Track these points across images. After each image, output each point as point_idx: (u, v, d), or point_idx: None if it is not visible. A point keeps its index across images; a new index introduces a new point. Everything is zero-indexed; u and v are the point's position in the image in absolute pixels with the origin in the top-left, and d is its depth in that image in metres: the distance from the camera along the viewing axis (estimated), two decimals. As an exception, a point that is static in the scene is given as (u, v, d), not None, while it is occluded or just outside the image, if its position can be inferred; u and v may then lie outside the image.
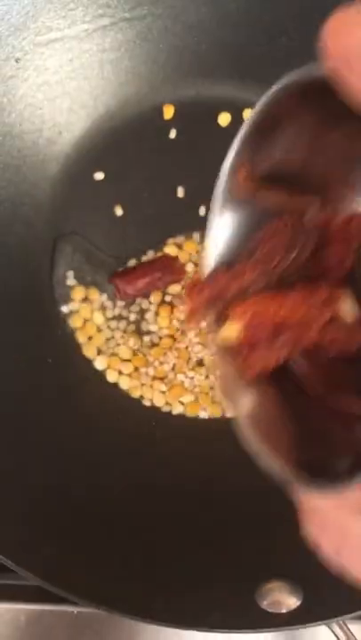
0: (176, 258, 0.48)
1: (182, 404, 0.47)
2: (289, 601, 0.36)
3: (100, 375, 0.47)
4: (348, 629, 0.36)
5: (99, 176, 0.49)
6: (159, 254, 0.49)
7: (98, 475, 0.42)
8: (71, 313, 0.48)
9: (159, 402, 0.47)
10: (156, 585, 0.37)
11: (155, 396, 0.47)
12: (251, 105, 0.48)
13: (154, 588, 0.37)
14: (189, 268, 0.48)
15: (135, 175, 0.49)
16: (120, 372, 0.47)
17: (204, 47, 0.48)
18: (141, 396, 0.47)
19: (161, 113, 0.49)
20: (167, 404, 0.48)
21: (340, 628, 0.36)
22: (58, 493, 0.41)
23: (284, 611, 0.36)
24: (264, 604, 0.36)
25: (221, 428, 0.46)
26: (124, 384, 0.47)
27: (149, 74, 0.48)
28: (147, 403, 0.47)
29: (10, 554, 0.36)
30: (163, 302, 0.48)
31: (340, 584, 0.36)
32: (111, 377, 0.47)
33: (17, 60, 0.44)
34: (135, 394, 0.47)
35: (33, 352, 0.45)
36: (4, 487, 0.39)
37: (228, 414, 0.46)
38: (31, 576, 0.36)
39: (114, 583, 0.37)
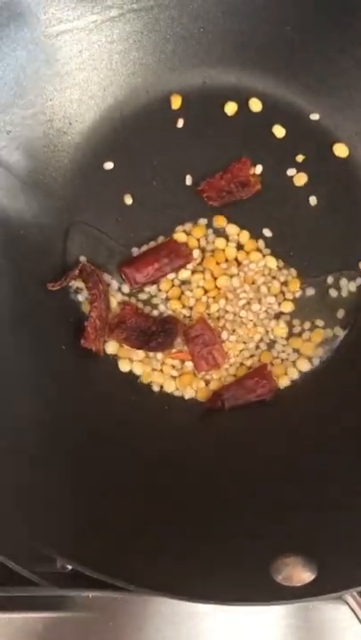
0: (182, 243, 0.49)
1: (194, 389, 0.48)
2: (303, 575, 0.37)
3: (113, 361, 0.48)
4: (362, 600, 0.37)
5: (108, 165, 0.50)
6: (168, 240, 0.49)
7: (114, 455, 0.43)
8: (84, 300, 0.48)
9: (170, 387, 0.48)
10: (174, 561, 0.37)
11: (165, 383, 0.48)
12: (256, 94, 0.49)
13: (172, 564, 0.37)
14: (196, 253, 0.49)
15: (144, 164, 0.50)
16: (131, 360, 0.48)
17: (210, 37, 0.49)
18: (152, 382, 0.48)
19: (169, 103, 0.50)
20: (177, 389, 0.48)
21: (354, 599, 0.36)
22: (76, 475, 0.41)
23: (298, 584, 0.36)
24: (279, 579, 0.37)
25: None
26: (137, 370, 0.48)
27: (157, 64, 0.49)
28: (156, 388, 0.48)
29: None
30: (173, 287, 0.49)
31: (352, 558, 0.37)
32: (123, 365, 0.48)
33: (28, 51, 0.44)
34: (147, 380, 0.48)
35: (48, 338, 0.46)
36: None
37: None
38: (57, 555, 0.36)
39: (133, 559, 0.37)
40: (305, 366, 0.48)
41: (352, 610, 0.37)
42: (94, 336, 0.47)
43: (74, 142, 0.49)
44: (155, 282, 0.49)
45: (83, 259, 0.48)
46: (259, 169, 0.50)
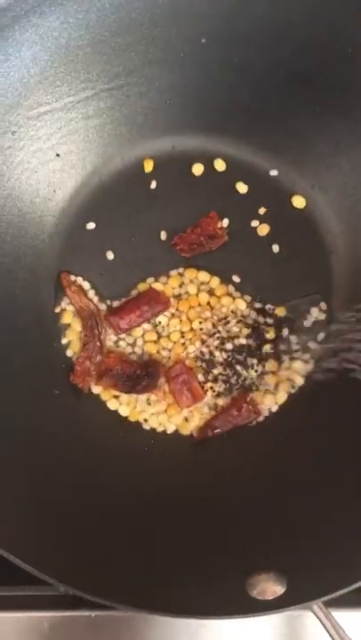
0: (161, 291, 0.54)
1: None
2: (275, 589, 0.41)
3: (102, 402, 0.53)
4: (328, 611, 0.41)
5: (91, 226, 0.55)
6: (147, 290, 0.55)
7: (101, 485, 0.48)
8: (70, 342, 0.54)
9: (154, 424, 0.53)
10: (158, 580, 0.42)
11: (150, 419, 0.53)
12: (220, 155, 0.55)
13: (155, 582, 0.42)
14: (172, 300, 0.55)
15: (123, 223, 0.55)
16: (117, 399, 0.54)
17: (175, 108, 0.54)
18: (138, 420, 0.53)
19: (142, 167, 0.55)
20: (160, 424, 0.53)
21: (320, 609, 0.41)
22: (67, 502, 0.46)
23: (270, 598, 0.41)
24: (254, 593, 0.41)
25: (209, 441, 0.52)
26: (123, 411, 0.53)
27: (129, 134, 0.55)
28: (145, 426, 0.53)
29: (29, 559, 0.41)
30: (149, 331, 0.54)
31: (317, 573, 0.42)
32: (111, 405, 0.53)
33: (13, 133, 0.50)
34: (134, 418, 0.53)
35: (40, 382, 0.51)
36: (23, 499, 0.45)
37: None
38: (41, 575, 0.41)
39: (120, 581, 0.42)
40: (282, 398, 0.54)
41: (318, 618, 0.41)
42: (82, 375, 0.52)
43: (58, 207, 0.54)
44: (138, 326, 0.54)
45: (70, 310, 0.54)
46: (225, 222, 0.55)
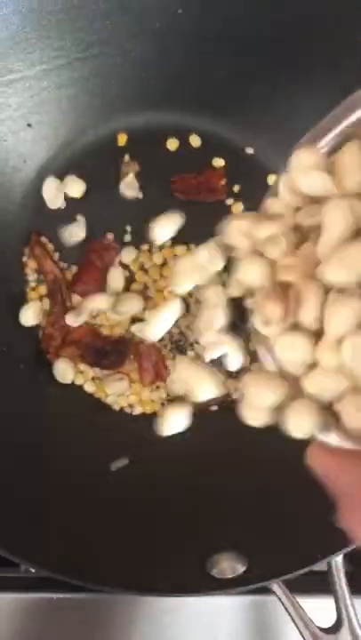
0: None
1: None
2: (235, 567, 0.41)
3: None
4: (288, 591, 0.41)
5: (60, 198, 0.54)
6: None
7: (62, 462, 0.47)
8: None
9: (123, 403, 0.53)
10: (119, 558, 0.42)
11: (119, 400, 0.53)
12: (195, 131, 0.54)
13: (115, 560, 0.42)
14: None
15: (94, 199, 0.54)
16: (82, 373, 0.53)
17: (150, 81, 0.53)
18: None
19: (115, 140, 0.54)
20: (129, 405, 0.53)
21: (280, 587, 0.41)
22: (34, 483, 0.46)
23: (230, 576, 0.41)
24: (214, 572, 0.41)
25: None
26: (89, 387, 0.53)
27: (103, 106, 0.54)
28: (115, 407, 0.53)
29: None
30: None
31: (277, 553, 0.41)
32: (76, 379, 0.53)
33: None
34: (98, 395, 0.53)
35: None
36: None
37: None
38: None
39: (84, 559, 0.41)
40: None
41: (278, 598, 0.41)
42: (47, 340, 0.51)
43: (28, 178, 0.53)
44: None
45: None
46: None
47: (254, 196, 0.53)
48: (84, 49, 0.51)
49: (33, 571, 0.50)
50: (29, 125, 0.52)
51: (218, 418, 0.52)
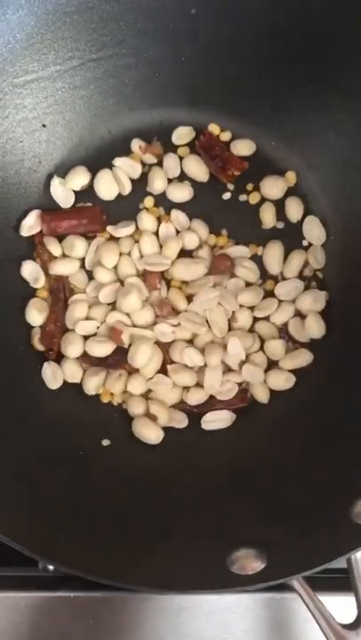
0: (102, 212, 0.53)
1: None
2: (255, 564, 0.41)
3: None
4: (308, 587, 0.41)
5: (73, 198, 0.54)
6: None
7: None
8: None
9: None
10: (138, 555, 0.42)
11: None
12: (206, 128, 0.54)
13: (139, 557, 0.42)
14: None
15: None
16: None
17: (164, 80, 0.54)
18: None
19: (129, 140, 0.55)
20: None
21: (300, 584, 0.41)
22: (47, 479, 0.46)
23: (250, 573, 0.41)
24: (234, 569, 0.41)
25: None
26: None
27: (117, 106, 0.54)
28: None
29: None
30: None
31: (296, 549, 0.41)
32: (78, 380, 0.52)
33: (-1, 100, 0.49)
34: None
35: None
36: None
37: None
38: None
39: (98, 552, 0.41)
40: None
41: (298, 594, 0.41)
42: (48, 337, 0.51)
43: (43, 178, 0.54)
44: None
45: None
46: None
47: (268, 193, 0.55)
48: (97, 50, 0.52)
49: (51, 569, 0.50)
50: (44, 126, 0.53)
51: (243, 415, 0.51)
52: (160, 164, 0.55)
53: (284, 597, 0.50)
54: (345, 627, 0.40)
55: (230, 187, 0.55)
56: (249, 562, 0.41)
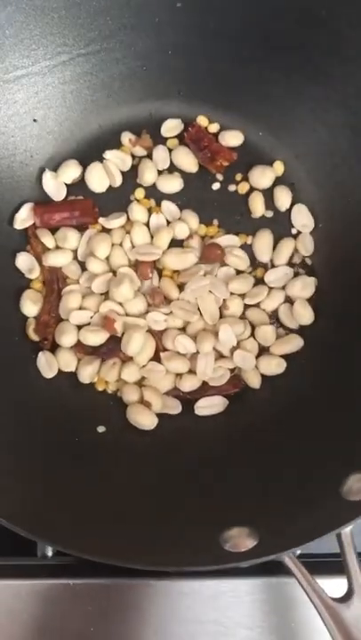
0: (93, 205, 0.54)
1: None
2: (247, 542, 0.42)
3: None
4: (298, 561, 0.42)
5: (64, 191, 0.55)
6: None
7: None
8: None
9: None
10: (132, 536, 0.43)
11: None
12: (195, 120, 0.55)
13: (136, 537, 0.42)
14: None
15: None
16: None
17: (152, 74, 0.55)
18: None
19: (119, 134, 0.56)
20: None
21: (292, 560, 0.41)
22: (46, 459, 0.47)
23: (242, 550, 0.42)
24: (227, 547, 0.42)
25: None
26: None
27: (106, 100, 0.55)
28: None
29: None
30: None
31: (288, 525, 0.42)
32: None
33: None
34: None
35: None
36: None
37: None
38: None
39: (95, 534, 0.42)
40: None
41: (290, 570, 0.42)
42: (43, 328, 0.52)
43: (35, 172, 0.55)
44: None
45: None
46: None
47: (256, 183, 0.56)
48: (85, 44, 0.53)
49: (49, 555, 0.51)
50: (35, 121, 0.54)
51: (236, 400, 0.52)
52: (150, 156, 0.56)
53: (280, 582, 0.50)
54: (336, 600, 0.41)
55: (219, 177, 0.56)
56: (242, 539, 0.42)
